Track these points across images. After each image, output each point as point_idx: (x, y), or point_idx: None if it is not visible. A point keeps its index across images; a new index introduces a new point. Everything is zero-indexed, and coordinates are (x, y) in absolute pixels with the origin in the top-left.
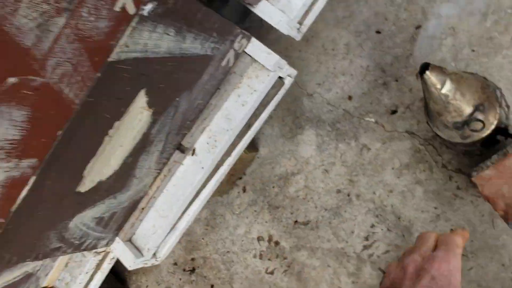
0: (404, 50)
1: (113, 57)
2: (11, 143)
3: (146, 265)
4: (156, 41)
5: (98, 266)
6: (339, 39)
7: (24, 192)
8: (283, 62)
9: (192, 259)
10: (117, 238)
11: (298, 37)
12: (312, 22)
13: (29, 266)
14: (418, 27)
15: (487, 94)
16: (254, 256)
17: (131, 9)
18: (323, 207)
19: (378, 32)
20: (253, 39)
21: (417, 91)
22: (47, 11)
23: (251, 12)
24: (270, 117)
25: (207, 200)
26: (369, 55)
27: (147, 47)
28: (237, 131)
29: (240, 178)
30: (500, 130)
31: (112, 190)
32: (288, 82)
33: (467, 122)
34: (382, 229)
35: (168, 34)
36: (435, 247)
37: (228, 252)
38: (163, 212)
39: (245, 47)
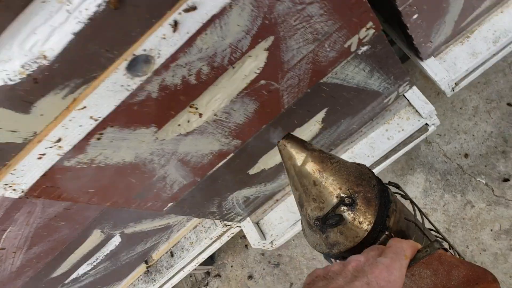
0: None
1: (323, 79)
2: (236, 126)
3: (264, 248)
4: (354, 74)
5: (220, 237)
6: (469, 101)
7: (221, 163)
8: (434, 112)
9: (279, 255)
10: (248, 218)
11: (449, 94)
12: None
13: (171, 219)
14: None
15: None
16: None
17: (353, 47)
18: None
19: (509, 104)
20: (414, 87)
21: None
22: (309, 38)
23: (408, 59)
24: None
25: None
26: (495, 123)
27: (346, 77)
28: (376, 159)
29: None
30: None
31: (266, 179)
32: (431, 130)
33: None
34: None
35: (363, 71)
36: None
37: (313, 259)
38: (293, 208)
39: (406, 92)
